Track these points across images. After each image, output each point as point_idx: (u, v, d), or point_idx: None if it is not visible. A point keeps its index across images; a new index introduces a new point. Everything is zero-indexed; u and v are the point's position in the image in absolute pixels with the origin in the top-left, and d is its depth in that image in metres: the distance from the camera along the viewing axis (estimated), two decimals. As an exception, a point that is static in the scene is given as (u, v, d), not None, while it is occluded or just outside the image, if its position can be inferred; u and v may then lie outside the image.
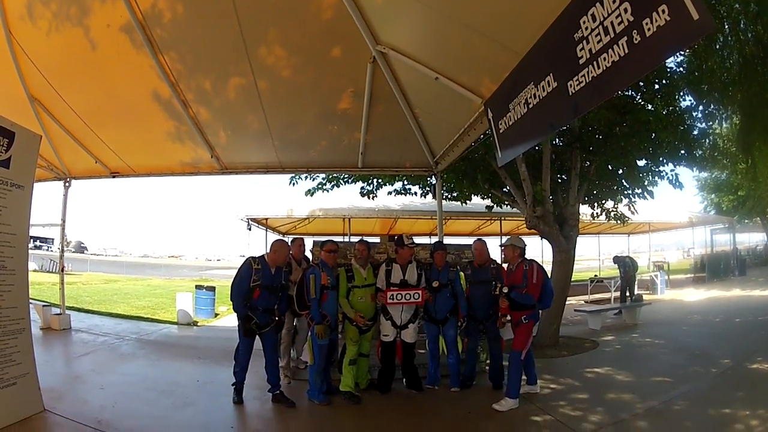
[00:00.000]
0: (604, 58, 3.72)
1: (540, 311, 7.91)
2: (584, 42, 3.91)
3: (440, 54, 6.79)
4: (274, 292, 7.51)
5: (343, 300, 7.87)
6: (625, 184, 12.91)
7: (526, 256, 7.93)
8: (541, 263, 7.93)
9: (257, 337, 7.45)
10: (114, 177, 11.98)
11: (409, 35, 6.88)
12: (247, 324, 7.31)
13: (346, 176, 14.76)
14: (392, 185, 14.96)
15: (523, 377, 7.76)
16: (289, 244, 8.66)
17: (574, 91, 4.22)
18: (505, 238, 8.39)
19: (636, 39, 3.34)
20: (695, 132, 12.46)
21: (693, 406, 7.08)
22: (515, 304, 7.54)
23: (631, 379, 8.69)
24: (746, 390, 7.64)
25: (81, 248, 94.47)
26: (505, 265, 8.42)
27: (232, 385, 7.48)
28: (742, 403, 6.97)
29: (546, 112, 4.92)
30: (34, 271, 40.89)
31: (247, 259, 7.55)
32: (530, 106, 5.22)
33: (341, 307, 7.88)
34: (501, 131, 6.23)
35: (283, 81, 8.15)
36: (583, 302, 20.84)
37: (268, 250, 7.71)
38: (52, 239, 66.84)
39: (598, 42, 3.75)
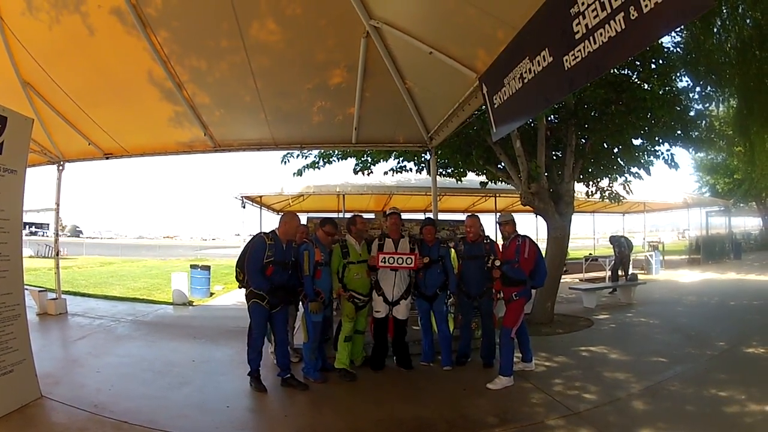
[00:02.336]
0: (601, 34, 3.71)
1: (533, 289, 7.90)
2: (580, 17, 3.90)
3: (435, 28, 6.73)
4: (286, 268, 7.34)
5: (335, 278, 7.83)
6: (620, 162, 12.89)
7: (519, 232, 7.90)
8: (535, 240, 7.92)
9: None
10: (107, 158, 11.92)
11: (403, 9, 6.83)
12: (275, 293, 7.16)
13: (338, 153, 14.76)
14: (386, 161, 14.93)
15: (518, 354, 7.80)
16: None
17: (569, 66, 4.22)
18: (500, 215, 8.31)
19: (633, 15, 3.33)
20: (692, 113, 12.43)
21: (688, 386, 7.07)
22: (507, 279, 7.53)
23: (627, 358, 8.69)
24: (742, 373, 7.62)
25: (77, 232, 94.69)
26: (500, 242, 8.38)
27: (248, 374, 7.27)
28: (737, 386, 6.92)
29: (541, 86, 4.91)
30: (30, 257, 40.94)
31: (258, 234, 7.40)
32: (525, 80, 5.21)
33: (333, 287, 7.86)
34: (496, 106, 6.22)
35: (276, 55, 8.10)
36: (578, 280, 20.96)
37: (278, 225, 7.52)
38: (48, 224, 66.92)
39: (594, 17, 3.74)
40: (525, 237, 7.74)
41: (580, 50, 4.00)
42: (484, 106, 6.89)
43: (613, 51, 3.65)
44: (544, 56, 4.67)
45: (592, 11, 3.72)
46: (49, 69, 8.60)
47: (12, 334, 6.16)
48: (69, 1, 6.97)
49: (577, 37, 3.98)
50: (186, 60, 8.29)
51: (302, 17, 7.25)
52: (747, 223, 46.45)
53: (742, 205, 39.89)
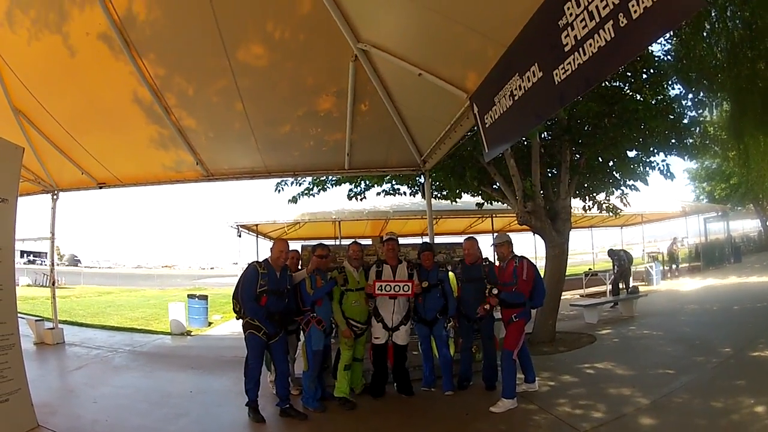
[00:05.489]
0: (590, 44, 3.62)
1: (532, 309, 7.82)
2: (569, 29, 3.82)
3: (423, 49, 6.69)
4: (281, 297, 7.27)
5: (336, 308, 7.74)
6: (616, 175, 12.83)
7: (515, 252, 7.82)
8: (533, 259, 7.84)
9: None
10: (101, 188, 11.84)
11: (390, 31, 6.77)
12: (273, 319, 7.10)
13: (332, 179, 14.66)
14: (380, 186, 14.84)
15: (521, 375, 7.69)
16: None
17: (559, 80, 4.14)
18: (495, 237, 8.24)
19: (622, 22, 3.24)
20: (685, 120, 12.39)
21: (696, 397, 6.98)
22: (506, 302, 7.44)
23: (631, 373, 8.57)
24: (749, 378, 7.53)
25: (75, 261, 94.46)
26: (497, 263, 8.31)
27: (246, 404, 7.16)
28: (745, 392, 6.86)
29: (532, 103, 4.83)
30: (28, 285, 40.96)
31: (251, 263, 7.32)
32: (516, 98, 5.13)
33: (334, 314, 7.77)
34: (487, 125, 6.15)
35: (264, 81, 8.07)
36: (578, 296, 20.99)
37: (270, 253, 7.46)
38: (46, 253, 66.83)
39: (583, 28, 3.65)
40: (522, 258, 7.65)
41: (569, 63, 3.92)
42: (475, 127, 6.82)
43: (603, 62, 3.57)
44: (533, 72, 4.58)
45: (581, 22, 3.64)
46: (39, 95, 8.55)
47: (6, 363, 6.13)
48: (58, 27, 6.93)
49: (566, 49, 3.90)
50: (174, 85, 8.24)
51: (290, 41, 7.21)
52: (745, 226, 46.53)
53: (739, 208, 39.93)
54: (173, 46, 7.44)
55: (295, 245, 8.65)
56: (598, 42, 3.53)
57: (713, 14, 11.07)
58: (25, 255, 74.68)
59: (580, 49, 3.74)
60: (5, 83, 8.29)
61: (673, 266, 28.05)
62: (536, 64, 4.53)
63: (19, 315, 6.71)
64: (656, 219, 30.40)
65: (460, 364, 8.42)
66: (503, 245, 7.82)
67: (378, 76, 7.83)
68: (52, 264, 14.21)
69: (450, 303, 8.11)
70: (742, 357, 8.86)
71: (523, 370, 7.78)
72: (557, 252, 11.76)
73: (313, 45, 7.36)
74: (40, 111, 8.94)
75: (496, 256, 8.30)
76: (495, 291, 7.50)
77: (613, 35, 3.37)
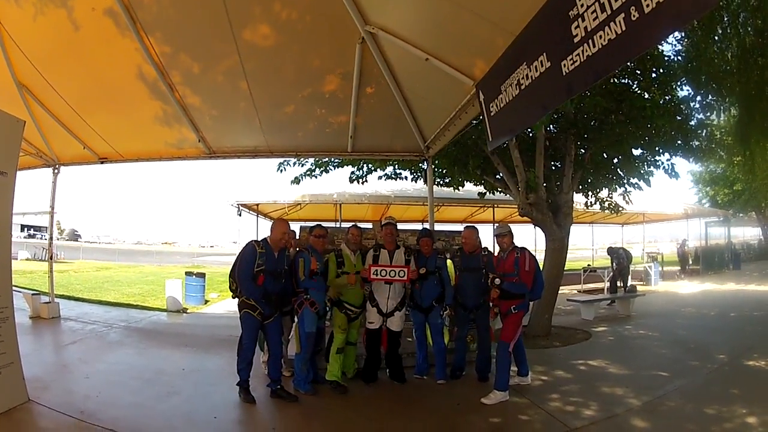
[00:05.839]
0: (600, 36, 3.56)
1: (530, 302, 7.78)
2: (579, 19, 3.76)
3: (431, 34, 6.62)
4: (278, 278, 7.21)
5: (333, 280, 7.71)
6: (620, 173, 12.79)
7: (517, 244, 7.77)
8: (533, 252, 7.79)
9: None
10: (102, 163, 11.81)
11: (399, 15, 6.71)
12: (268, 300, 7.04)
13: (335, 161, 14.63)
14: (383, 170, 14.82)
15: (514, 368, 7.65)
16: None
17: (567, 71, 4.08)
18: (497, 227, 8.18)
19: (634, 16, 3.19)
20: (692, 122, 12.36)
21: (688, 402, 6.95)
22: (506, 293, 7.37)
23: (625, 372, 8.56)
24: (742, 387, 7.51)
25: (75, 236, 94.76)
26: (496, 252, 8.26)
27: (237, 384, 7.13)
28: (738, 401, 6.83)
29: (539, 93, 4.77)
30: (27, 259, 41.02)
31: (249, 242, 7.22)
32: (522, 87, 5.07)
33: (329, 292, 7.81)
34: (492, 114, 6.09)
35: (269, 61, 8.00)
36: (575, 292, 20.85)
37: (270, 233, 7.40)
38: (46, 227, 67.00)
39: (594, 19, 3.59)
40: (523, 249, 7.61)
41: (578, 54, 3.86)
42: (480, 115, 6.76)
43: (613, 54, 3.52)
44: (541, 61, 4.52)
45: (592, 13, 3.58)
46: (44, 71, 8.49)
47: (0, 337, 6.08)
48: (64, 2, 6.85)
49: (575, 40, 3.85)
50: (179, 63, 8.17)
51: (297, 22, 7.14)
52: (746, 233, 46.54)
53: (741, 215, 39.92)
54: (180, 24, 7.37)
55: (294, 226, 8.61)
56: (608, 34, 3.47)
57: (726, 18, 11.02)
58: (25, 229, 74.96)
59: (590, 41, 3.69)
60: (10, 58, 8.25)
61: (686, 267, 28.66)
62: (544, 54, 4.46)
63: (14, 289, 6.67)
64: (658, 219, 30.31)
65: (453, 353, 8.40)
66: (505, 236, 7.76)
67: (385, 59, 7.77)
68: (51, 238, 14.17)
69: (447, 291, 8.04)
70: (737, 365, 8.84)
71: (516, 363, 7.75)
72: (557, 246, 11.73)
73: (320, 26, 7.30)
74: (44, 86, 8.89)
75: (496, 247, 8.23)
76: (498, 281, 7.42)
77: (624, 28, 3.32)
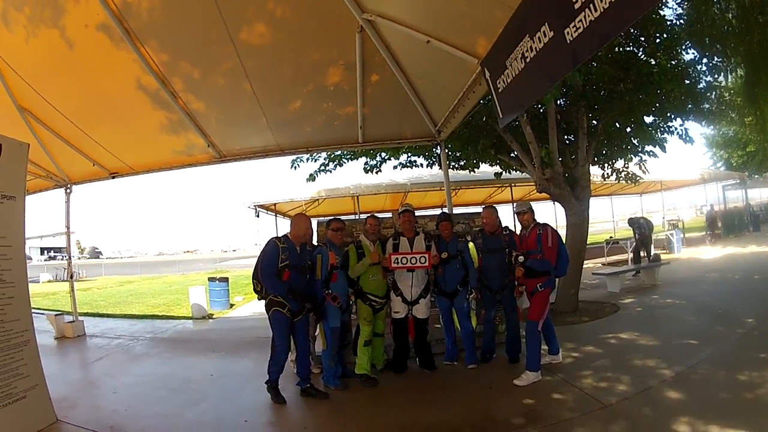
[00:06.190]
0: (601, 0, 3.46)
1: (556, 278, 7.66)
2: (578, -17, 3.65)
3: (430, 15, 6.54)
4: (303, 272, 7.13)
5: (354, 266, 7.64)
6: (634, 142, 12.70)
7: (538, 220, 7.67)
8: (555, 228, 7.68)
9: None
10: (114, 177, 11.86)
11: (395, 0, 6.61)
12: (294, 295, 6.93)
13: (348, 154, 14.63)
14: (397, 159, 14.78)
15: (544, 347, 7.57)
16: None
17: (571, 39, 4.00)
18: (517, 204, 8.08)
19: (633, -24, 3.07)
20: (701, 85, 12.22)
21: (720, 369, 6.83)
22: (531, 271, 7.29)
23: (655, 343, 8.45)
24: None
25: (96, 253, 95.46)
26: (517, 231, 8.16)
27: (266, 383, 7.09)
28: None
29: (544, 64, 4.69)
30: (49, 281, 41.32)
31: (270, 239, 7.13)
32: (527, 60, 4.99)
33: (353, 280, 7.73)
34: (500, 90, 5.99)
35: (269, 59, 7.94)
36: (600, 265, 20.92)
37: (289, 228, 7.35)
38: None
39: (592, -18, 3.47)
40: (545, 225, 7.54)
41: (581, 20, 3.77)
42: (488, 93, 6.64)
43: (615, 17, 3.43)
44: (544, 32, 4.44)
45: (589, -25, 3.47)
46: (43, 92, 8.47)
47: (22, 360, 6.10)
48: (55, 22, 6.83)
49: (576, 6, 3.76)
50: (179, 70, 8.14)
51: (292, 18, 7.08)
52: (762, 194, 46.13)
53: (757, 176, 39.53)
54: (175, 30, 7.33)
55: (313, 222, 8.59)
56: None
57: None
58: (45, 252, 75.49)
59: (591, 6, 3.60)
60: (8, 83, 8.23)
61: (714, 231, 28.40)
62: (546, 24, 4.38)
63: (36, 311, 6.67)
64: (675, 186, 30.30)
65: (482, 336, 8.34)
66: (526, 213, 7.68)
67: (386, 46, 7.69)
68: (69, 257, 14.21)
69: (471, 274, 7.96)
70: (766, 328, 8.71)
71: (546, 342, 7.66)
72: (578, 220, 11.64)
73: (316, 19, 7.23)
74: (46, 107, 8.88)
75: (518, 225, 8.13)
76: (521, 259, 7.34)
77: None
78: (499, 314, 8.45)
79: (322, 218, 9.97)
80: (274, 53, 7.81)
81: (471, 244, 8.24)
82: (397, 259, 7.65)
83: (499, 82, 5.92)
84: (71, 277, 13.72)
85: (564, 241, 8.20)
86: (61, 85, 8.38)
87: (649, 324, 9.90)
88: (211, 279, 19.25)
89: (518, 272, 7.39)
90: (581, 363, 7.79)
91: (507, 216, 10.68)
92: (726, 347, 7.87)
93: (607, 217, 37.35)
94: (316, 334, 8.14)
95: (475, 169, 14.19)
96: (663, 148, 12.25)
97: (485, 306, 8.24)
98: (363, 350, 7.61)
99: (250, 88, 8.53)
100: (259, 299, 7.29)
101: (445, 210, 10.39)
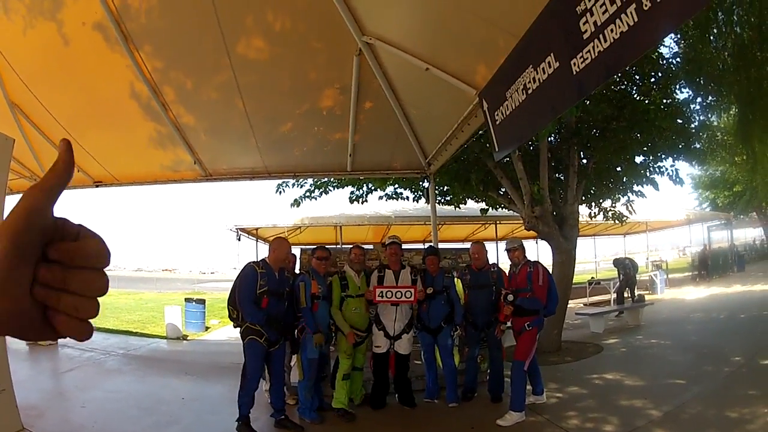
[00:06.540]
0: (611, 30, 3.35)
1: (545, 317, 7.50)
2: (588, 14, 3.56)
3: (431, 42, 6.43)
4: (282, 299, 6.88)
5: (336, 312, 7.43)
6: (624, 181, 12.73)
7: (528, 257, 7.53)
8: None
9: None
10: (97, 186, 11.52)
11: (397, 23, 6.53)
12: (272, 325, 6.64)
13: (334, 182, 14.48)
14: (383, 190, 14.69)
15: (528, 387, 7.41)
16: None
17: (578, 70, 3.86)
18: (504, 242, 7.99)
19: (646, 5, 2.98)
20: (694, 124, 12.37)
21: (709, 407, 6.86)
22: (519, 309, 7.16)
23: (642, 383, 8.42)
24: (762, 387, 7.44)
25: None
26: (506, 268, 8.02)
27: (237, 420, 6.65)
28: (759, 402, 6.78)
29: (547, 95, 4.55)
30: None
31: (248, 263, 6.89)
32: (529, 91, 4.84)
33: (333, 320, 7.45)
34: (498, 122, 5.86)
35: (265, 75, 7.79)
36: (582, 305, 20.88)
37: (268, 253, 7.11)
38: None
39: (603, 12, 3.39)
40: (536, 263, 7.46)
41: (589, 51, 3.66)
42: (485, 124, 6.52)
43: (626, 48, 3.31)
44: (549, 62, 4.31)
45: (600, 6, 3.39)
46: (35, 89, 8.23)
47: (-10, 365, 5.90)
48: (45, 9, 6.61)
49: (585, 36, 3.64)
50: (171, 79, 7.96)
51: (291, 32, 6.93)
52: (747, 234, 46.71)
53: (742, 216, 40.01)
54: (170, 36, 7.16)
55: (295, 250, 8.46)
56: (620, 27, 3.27)
57: (720, 16, 10.96)
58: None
59: (601, 36, 3.48)
60: (2, 76, 8.04)
61: (704, 271, 28.52)
62: (552, 54, 4.25)
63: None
64: (660, 227, 30.54)
65: (464, 374, 8.18)
66: (517, 250, 7.57)
67: (383, 72, 7.57)
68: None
69: (457, 310, 7.81)
70: (754, 365, 8.77)
71: (531, 382, 7.51)
72: (564, 258, 11.58)
73: (316, 38, 7.10)
74: (36, 105, 8.66)
75: (509, 262, 8.01)
76: (510, 298, 7.20)
77: (636, 19, 3.12)
78: (482, 352, 8.29)
79: (305, 246, 9.81)
80: (270, 69, 7.67)
81: (457, 280, 8.11)
82: (381, 292, 7.47)
83: (497, 114, 5.79)
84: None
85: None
86: (54, 84, 8.17)
87: (634, 364, 9.90)
88: (188, 299, 19.08)
89: (507, 310, 7.23)
90: (566, 403, 7.70)
91: (491, 253, 10.65)
92: (714, 385, 7.92)
93: (589, 257, 37.47)
94: (292, 363, 8.00)
95: (461, 205, 14.15)
96: (656, 187, 12.31)
97: (469, 343, 8.12)
98: (341, 384, 7.38)
99: (242, 105, 8.37)
100: (234, 326, 7.10)
101: (429, 244, 10.28)
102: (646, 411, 6.94)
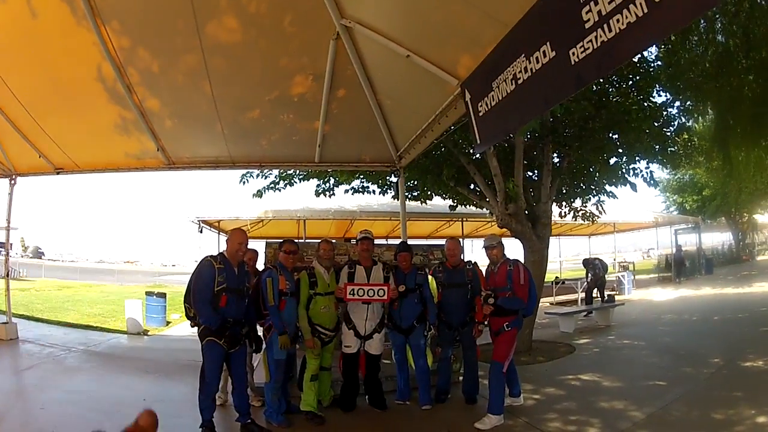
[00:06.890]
0: (618, 20, 3.25)
1: (524, 317, 7.30)
2: (591, 3, 3.45)
3: (415, 28, 6.19)
4: (242, 296, 6.48)
5: (303, 313, 7.11)
6: (596, 181, 12.76)
7: (507, 256, 7.31)
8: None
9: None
10: (58, 173, 11.27)
11: (379, 6, 6.30)
12: (225, 331, 6.19)
13: (300, 174, 14.27)
14: (349, 184, 14.41)
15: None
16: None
17: (577, 60, 3.75)
18: (486, 238, 7.73)
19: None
20: (672, 127, 12.41)
21: (693, 409, 6.82)
22: (500, 310, 6.90)
23: (620, 384, 8.35)
24: (745, 389, 7.38)
25: (39, 254, 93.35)
26: (482, 266, 7.80)
27: (201, 426, 6.31)
28: (744, 403, 6.76)
29: (540, 86, 4.41)
30: (-17, 277, 39.97)
31: (205, 258, 6.41)
32: (519, 81, 4.69)
33: (299, 320, 7.14)
34: (481, 114, 5.70)
35: (235, 58, 7.50)
36: (548, 304, 20.97)
37: (226, 245, 6.70)
38: (11, 244, 65.99)
39: (609, 2, 3.28)
40: (516, 261, 7.21)
41: (590, 41, 3.53)
42: (465, 117, 6.34)
43: (634, 38, 3.19)
44: (544, 51, 4.16)
45: (607, -5, 3.26)
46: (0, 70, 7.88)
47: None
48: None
49: (587, 26, 3.51)
50: (138, 59, 7.58)
51: (266, 14, 6.64)
52: (714, 239, 47.38)
53: (710, 221, 40.54)
54: (140, 12, 6.77)
55: (258, 244, 8.24)
56: (627, 17, 3.17)
57: (702, 23, 10.93)
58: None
59: (605, 26, 3.38)
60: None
61: (681, 271, 28.98)
62: (548, 44, 4.13)
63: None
64: (627, 229, 30.88)
65: (437, 375, 7.91)
66: (495, 248, 7.28)
67: (360, 58, 7.32)
68: (7, 253, 13.51)
69: (430, 309, 7.57)
70: (735, 367, 8.76)
71: (508, 384, 7.24)
72: (537, 258, 11.43)
73: (292, 18, 6.80)
74: (1, 87, 8.24)
75: (488, 259, 7.77)
76: (491, 300, 6.92)
77: (645, 10, 3.02)
78: (455, 352, 8.06)
79: (270, 240, 9.47)
80: (242, 52, 7.36)
81: (430, 278, 7.86)
82: (353, 290, 7.19)
83: (481, 106, 5.62)
84: (7, 275, 13.09)
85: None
86: (19, 63, 7.75)
87: (609, 365, 9.86)
88: (148, 293, 18.69)
89: (486, 310, 6.96)
90: (544, 405, 7.54)
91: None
92: (695, 387, 7.90)
93: (554, 257, 37.72)
94: (255, 363, 7.77)
95: (427, 201, 13.99)
96: (634, 188, 12.27)
97: (442, 343, 7.84)
98: (309, 385, 7.08)
99: (209, 90, 8.07)
100: (192, 326, 6.72)
101: (394, 241, 10.05)
102: (629, 413, 6.84)
